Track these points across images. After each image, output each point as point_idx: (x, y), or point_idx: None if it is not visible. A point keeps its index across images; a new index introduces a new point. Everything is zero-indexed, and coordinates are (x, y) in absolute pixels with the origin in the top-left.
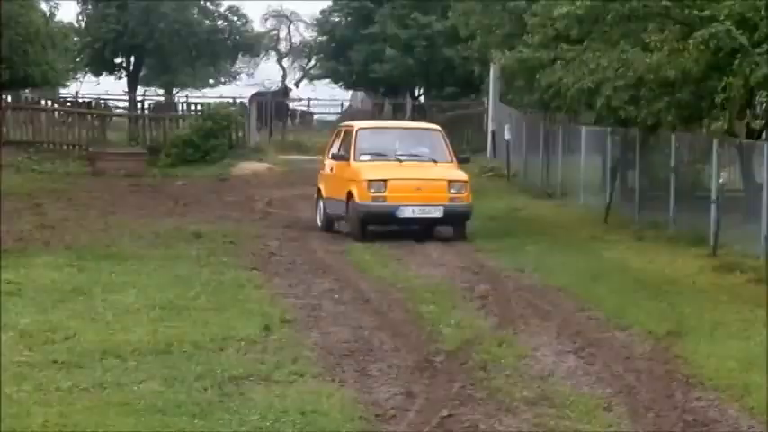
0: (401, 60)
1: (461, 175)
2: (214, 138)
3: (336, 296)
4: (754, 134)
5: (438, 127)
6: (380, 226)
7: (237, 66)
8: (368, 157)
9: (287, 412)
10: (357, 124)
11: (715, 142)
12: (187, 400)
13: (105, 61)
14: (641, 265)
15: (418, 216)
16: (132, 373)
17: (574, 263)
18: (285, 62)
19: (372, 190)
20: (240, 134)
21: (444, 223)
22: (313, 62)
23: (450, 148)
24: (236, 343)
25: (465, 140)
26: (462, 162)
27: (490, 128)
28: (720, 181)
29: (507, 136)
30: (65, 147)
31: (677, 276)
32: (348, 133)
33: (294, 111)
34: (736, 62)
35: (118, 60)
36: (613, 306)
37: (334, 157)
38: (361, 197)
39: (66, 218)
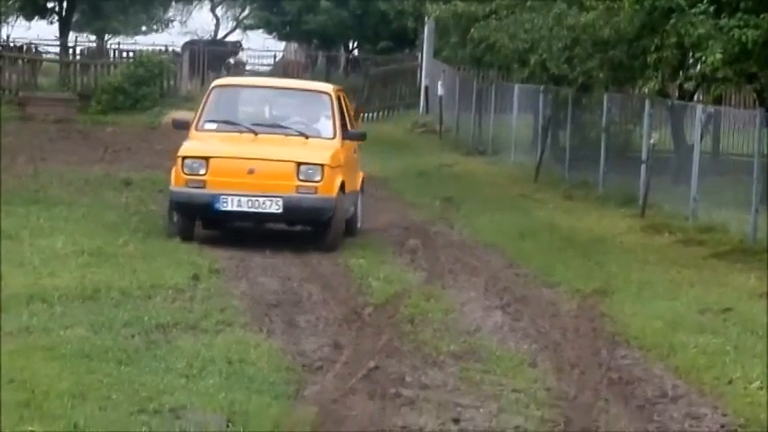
0: (335, 12)
1: (323, 156)
2: (145, 85)
3: (266, 247)
4: (686, 95)
5: (329, 88)
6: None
7: (170, 13)
8: (214, 126)
9: (213, 361)
10: (217, 81)
11: (647, 103)
12: (114, 347)
13: (37, 5)
14: (570, 224)
15: (246, 210)
16: (59, 318)
17: (503, 220)
18: (218, 11)
19: (188, 171)
20: (172, 83)
21: (287, 222)
22: (246, 12)
23: (342, 119)
24: (164, 291)
25: (398, 95)
26: (355, 139)
27: (423, 83)
28: (651, 141)
29: (440, 92)
30: None
31: (605, 236)
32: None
33: (228, 62)
34: (672, 21)
35: (50, 5)
36: (541, 264)
37: (176, 125)
38: (176, 181)
39: None
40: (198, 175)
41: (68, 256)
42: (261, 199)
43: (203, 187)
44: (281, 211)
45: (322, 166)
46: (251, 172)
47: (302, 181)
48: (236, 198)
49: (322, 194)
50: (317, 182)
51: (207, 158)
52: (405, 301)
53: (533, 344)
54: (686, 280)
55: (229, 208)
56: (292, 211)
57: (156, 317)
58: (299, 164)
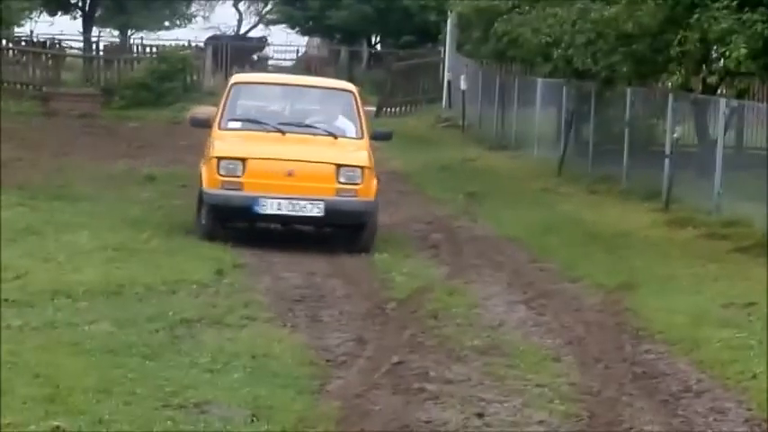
0: (358, 7)
1: (361, 158)
2: (168, 80)
3: (290, 242)
4: (709, 89)
5: (352, 87)
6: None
7: (193, 8)
8: (238, 125)
9: (238, 355)
10: (236, 77)
11: (670, 97)
12: (138, 342)
13: (61, 1)
14: (594, 219)
15: (286, 213)
16: (83, 313)
17: (526, 215)
18: (241, 6)
19: (224, 172)
20: (195, 77)
21: (328, 225)
22: (269, 6)
23: (365, 118)
24: (188, 286)
25: (421, 90)
26: (381, 139)
27: (446, 78)
28: (674, 136)
29: (463, 86)
30: (18, 86)
31: (629, 230)
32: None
33: (252, 57)
34: (695, 16)
35: (74, 0)
36: (565, 258)
37: (194, 123)
38: (210, 183)
39: (18, 157)
40: (234, 176)
41: (92, 252)
42: (302, 202)
43: (240, 189)
44: (322, 214)
45: (362, 168)
46: (290, 174)
47: (343, 184)
48: (276, 201)
49: (362, 197)
50: (358, 184)
51: (244, 160)
52: (428, 296)
53: (557, 338)
54: (710, 274)
55: (269, 211)
56: (333, 215)
57: (180, 312)
58: (339, 166)
